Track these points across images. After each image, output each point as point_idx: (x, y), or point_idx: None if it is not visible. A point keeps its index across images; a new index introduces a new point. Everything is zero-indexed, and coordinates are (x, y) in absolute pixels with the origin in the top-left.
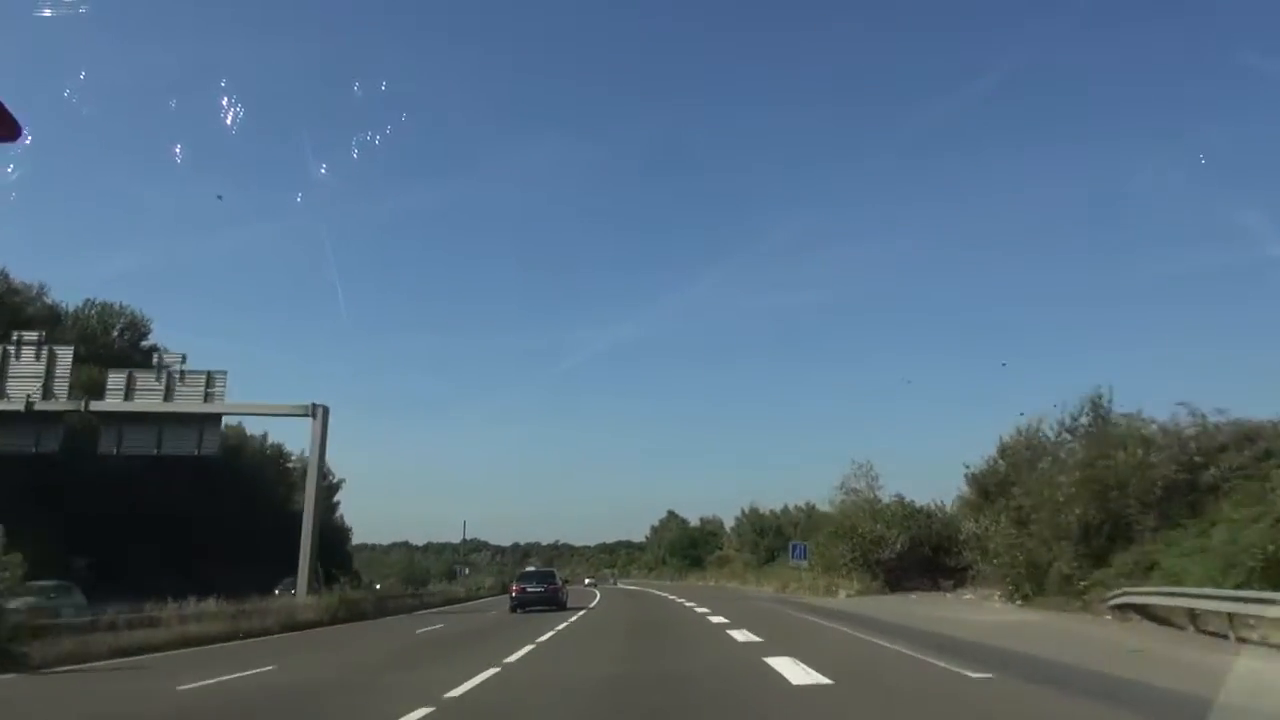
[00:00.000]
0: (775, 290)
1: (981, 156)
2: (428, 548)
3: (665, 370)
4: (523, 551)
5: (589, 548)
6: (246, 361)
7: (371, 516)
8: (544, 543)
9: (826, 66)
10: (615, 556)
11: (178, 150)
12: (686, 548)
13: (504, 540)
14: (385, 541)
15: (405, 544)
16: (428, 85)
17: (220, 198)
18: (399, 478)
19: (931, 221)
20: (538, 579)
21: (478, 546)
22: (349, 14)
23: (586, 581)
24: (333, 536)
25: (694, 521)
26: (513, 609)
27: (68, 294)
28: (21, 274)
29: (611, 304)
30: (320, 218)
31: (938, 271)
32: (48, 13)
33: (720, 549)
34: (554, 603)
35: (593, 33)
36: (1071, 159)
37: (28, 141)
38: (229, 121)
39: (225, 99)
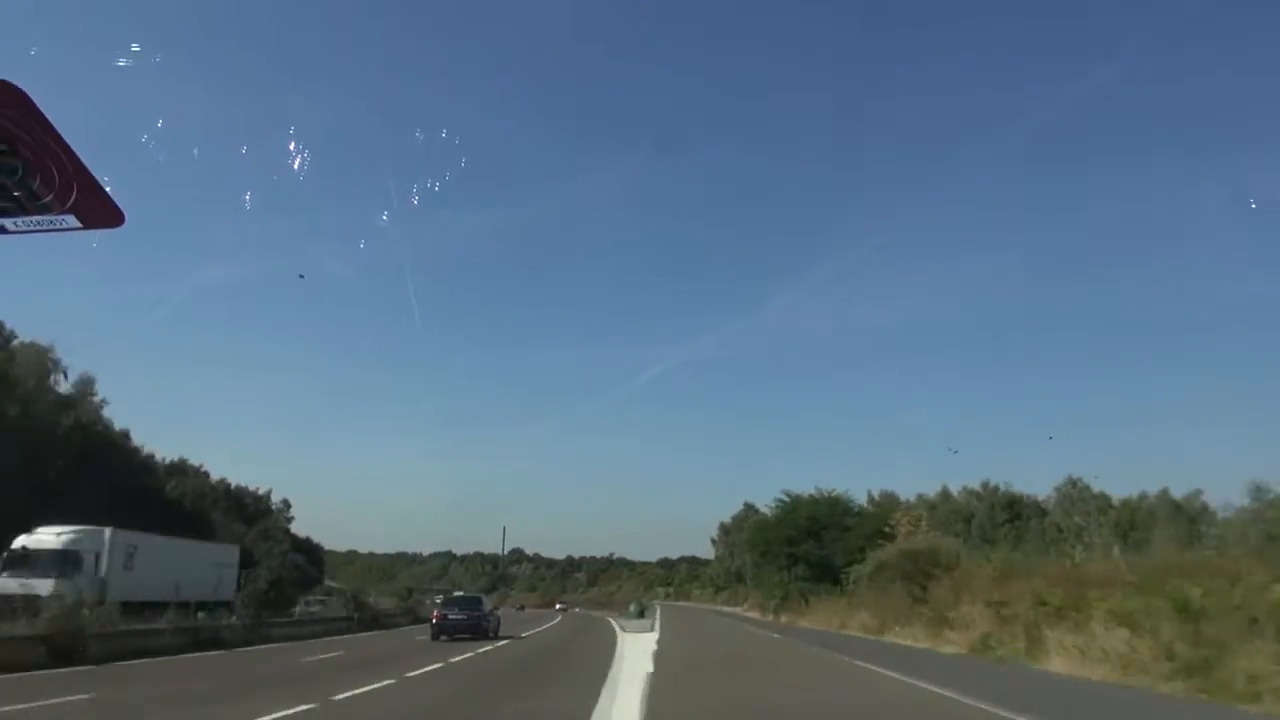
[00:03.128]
0: (856, 307)
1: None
2: (465, 558)
3: (744, 386)
4: (572, 565)
5: (648, 563)
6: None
7: (421, 524)
8: (598, 556)
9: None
10: (673, 572)
11: (247, 196)
12: (801, 538)
13: (558, 553)
14: (426, 551)
15: (449, 553)
16: (494, 109)
17: (302, 276)
18: (452, 487)
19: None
20: (460, 605)
21: (519, 558)
22: (410, 60)
23: (557, 606)
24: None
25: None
26: (434, 636)
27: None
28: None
29: (689, 320)
30: (395, 242)
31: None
32: (123, 62)
33: (889, 528)
34: (476, 631)
35: (680, 39)
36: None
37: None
38: (296, 166)
39: (293, 144)
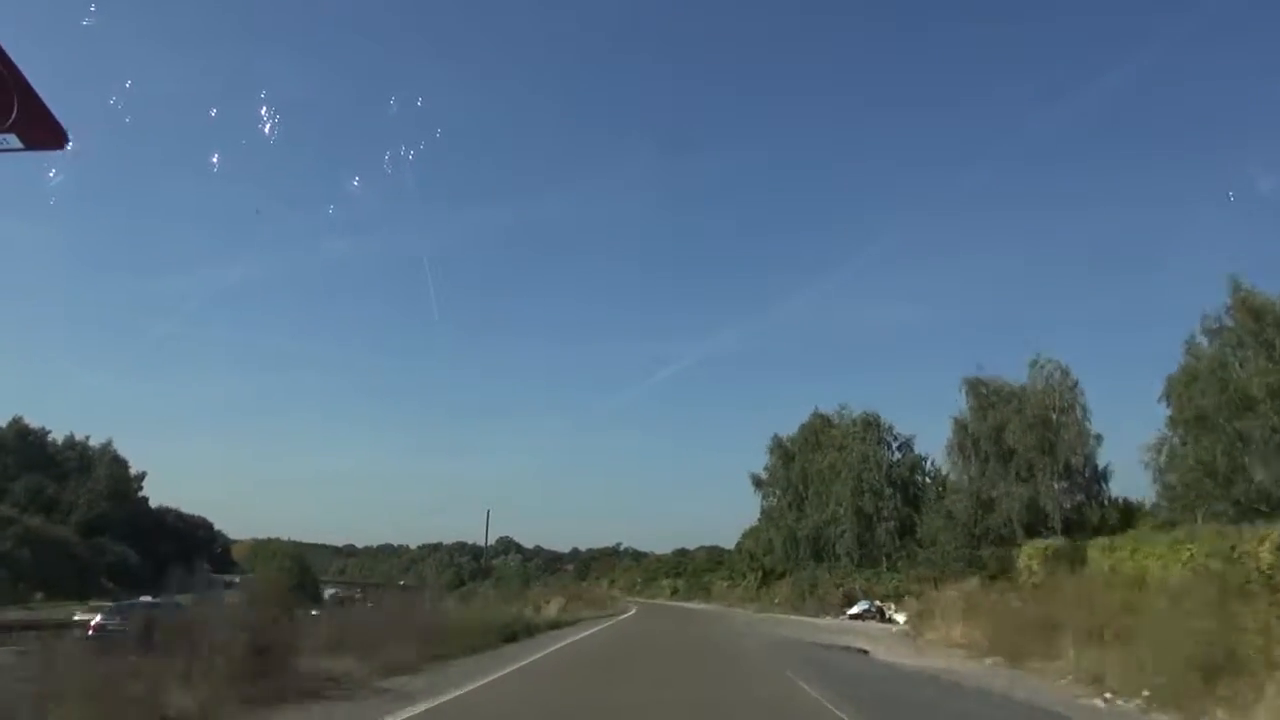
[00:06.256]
0: (880, 302)
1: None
2: (448, 548)
3: (766, 381)
4: (574, 556)
5: (665, 555)
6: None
7: (417, 518)
8: (605, 547)
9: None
10: (687, 561)
11: (215, 159)
12: None
13: (563, 546)
14: (414, 544)
15: (437, 544)
16: (509, 104)
17: (258, 211)
18: (450, 481)
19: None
20: (126, 613)
21: (507, 547)
22: (423, 58)
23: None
24: None
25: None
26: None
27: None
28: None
29: (704, 317)
30: (408, 235)
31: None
32: (87, 21)
33: None
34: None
35: (699, 35)
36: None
37: (70, 146)
38: (267, 131)
39: (264, 109)
